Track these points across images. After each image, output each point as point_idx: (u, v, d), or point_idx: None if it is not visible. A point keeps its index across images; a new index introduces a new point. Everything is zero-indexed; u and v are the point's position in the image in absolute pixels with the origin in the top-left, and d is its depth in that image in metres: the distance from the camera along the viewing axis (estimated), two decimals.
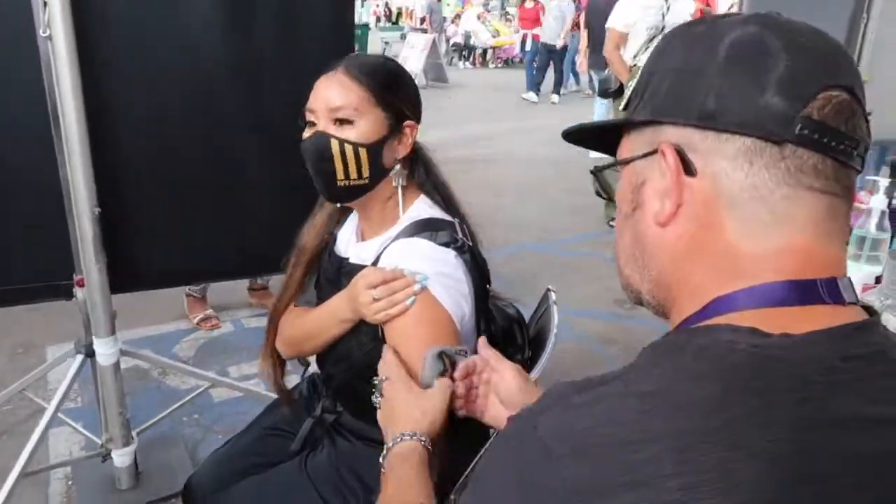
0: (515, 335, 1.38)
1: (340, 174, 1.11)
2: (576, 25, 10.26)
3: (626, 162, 0.63)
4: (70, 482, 2.06)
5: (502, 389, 0.97)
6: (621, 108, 0.81)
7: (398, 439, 0.92)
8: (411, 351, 1.03)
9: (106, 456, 1.98)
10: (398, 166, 1.16)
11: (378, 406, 0.99)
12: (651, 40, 4.22)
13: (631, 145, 0.63)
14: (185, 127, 1.82)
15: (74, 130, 1.62)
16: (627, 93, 0.70)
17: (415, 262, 1.07)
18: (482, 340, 1.03)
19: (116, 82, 1.69)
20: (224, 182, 1.93)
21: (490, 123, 8.67)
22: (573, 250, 4.31)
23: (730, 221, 0.55)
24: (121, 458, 1.96)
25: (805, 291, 0.53)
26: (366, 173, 1.12)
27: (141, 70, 1.72)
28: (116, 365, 1.87)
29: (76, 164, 1.65)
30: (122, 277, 1.82)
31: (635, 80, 0.67)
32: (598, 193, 0.74)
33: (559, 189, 5.67)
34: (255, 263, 2.17)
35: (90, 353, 1.87)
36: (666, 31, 4.12)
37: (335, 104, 1.10)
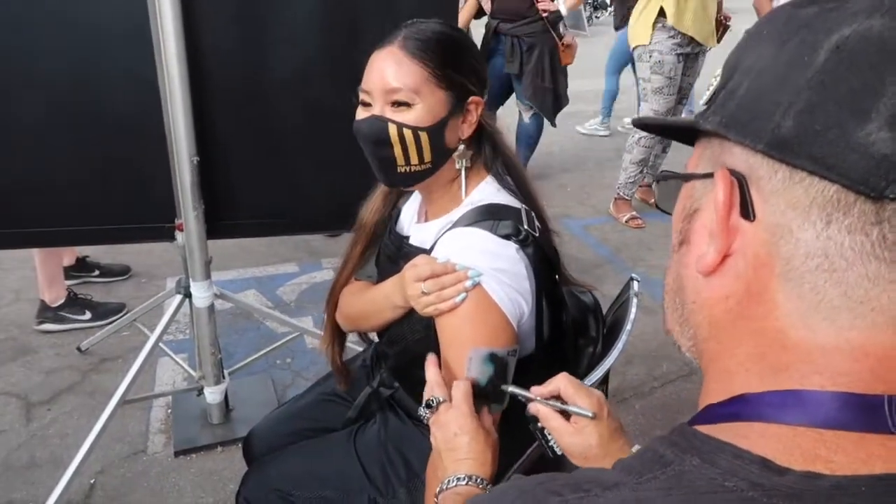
0: (589, 326, 1.28)
1: (400, 160, 1.03)
2: None
3: (687, 178, 0.49)
4: (169, 410, 2.22)
5: (575, 443, 0.85)
6: (703, 100, 0.65)
7: (464, 480, 0.82)
8: (460, 351, 0.97)
9: (200, 391, 2.10)
10: (462, 146, 1.06)
11: (425, 420, 0.92)
12: None
13: (698, 157, 0.49)
14: (283, 82, 1.83)
15: (176, 81, 1.66)
16: (715, 81, 0.56)
17: (470, 255, 0.98)
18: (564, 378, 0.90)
19: (216, 35, 1.72)
20: (320, 137, 1.93)
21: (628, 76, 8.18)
22: None
23: (782, 295, 0.41)
24: (212, 394, 2.07)
25: (864, 411, 0.38)
26: (428, 158, 1.03)
27: (240, 24, 1.74)
28: (210, 308, 1.96)
29: (177, 114, 1.70)
30: (219, 225, 1.89)
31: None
32: (656, 205, 0.62)
33: None
34: (350, 217, 2.19)
35: (188, 294, 1.97)
36: None
37: (391, 86, 1.00)
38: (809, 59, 0.39)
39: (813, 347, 0.40)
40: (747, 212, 0.42)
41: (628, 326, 1.19)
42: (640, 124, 0.62)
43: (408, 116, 1.01)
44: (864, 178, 0.36)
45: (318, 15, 1.80)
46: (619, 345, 1.18)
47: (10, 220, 1.78)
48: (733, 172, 0.43)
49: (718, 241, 0.43)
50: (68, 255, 2.89)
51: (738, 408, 0.42)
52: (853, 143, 0.37)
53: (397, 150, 1.02)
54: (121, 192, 1.86)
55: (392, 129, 1.01)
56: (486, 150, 1.10)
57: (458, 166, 1.07)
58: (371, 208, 1.22)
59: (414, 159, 1.03)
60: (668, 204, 0.54)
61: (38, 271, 2.61)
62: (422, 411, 0.92)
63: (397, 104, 1.01)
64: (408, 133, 1.01)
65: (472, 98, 1.05)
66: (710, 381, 0.46)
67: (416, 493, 1.12)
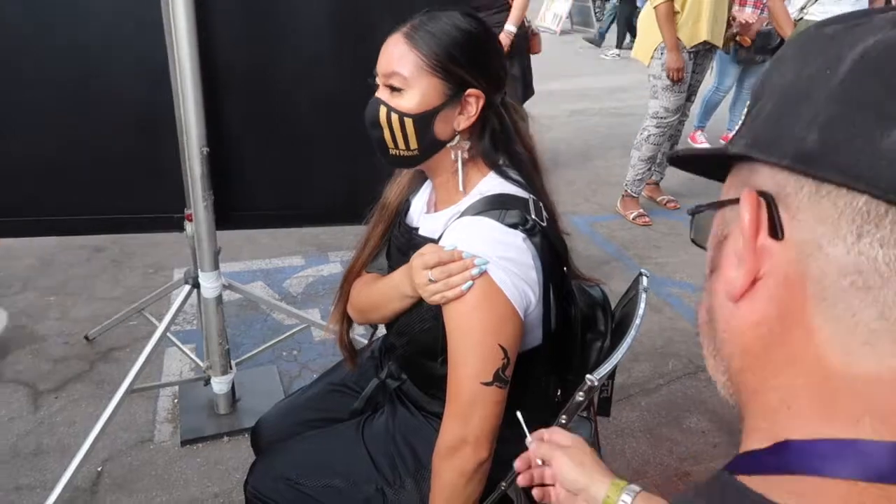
0: (598, 321, 1.28)
1: (390, 143, 1.06)
2: None
3: (717, 206, 0.47)
4: (176, 400, 2.23)
5: (565, 480, 0.86)
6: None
7: None
8: (466, 338, 0.97)
9: (207, 381, 2.11)
10: (458, 138, 1.07)
11: None
12: None
13: (728, 185, 0.47)
14: (295, 74, 1.84)
15: (188, 71, 1.67)
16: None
17: (477, 243, 0.99)
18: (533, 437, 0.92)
19: (228, 25, 1.73)
20: (331, 130, 1.93)
21: (634, 74, 8.17)
22: None
23: (818, 318, 0.37)
24: (219, 385, 2.08)
25: None
26: (413, 145, 1.05)
27: (251, 15, 1.75)
28: (219, 298, 1.96)
29: (189, 105, 1.70)
30: (228, 216, 1.90)
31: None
32: (692, 240, 0.56)
33: None
34: (360, 209, 2.19)
35: (197, 285, 1.98)
36: None
37: (388, 70, 1.03)
38: (833, 71, 0.37)
39: (856, 377, 0.36)
40: (776, 231, 0.39)
41: (637, 321, 1.19)
42: (673, 158, 0.59)
43: (399, 102, 1.04)
44: (895, 187, 0.34)
45: (331, 6, 1.80)
46: (628, 339, 1.18)
47: (26, 209, 1.79)
48: (761, 193, 0.40)
49: (747, 263, 0.40)
50: None
51: (786, 458, 0.38)
52: (880, 151, 0.34)
53: (386, 133, 1.06)
54: (131, 181, 1.87)
55: (382, 112, 1.05)
56: (485, 143, 1.09)
57: (453, 157, 1.08)
58: (396, 190, 1.22)
59: (401, 144, 1.06)
60: (703, 237, 0.51)
61: None
62: None
63: (392, 89, 1.04)
64: (394, 118, 1.04)
65: (470, 91, 1.04)
66: (750, 419, 0.43)
67: (424, 483, 1.12)
